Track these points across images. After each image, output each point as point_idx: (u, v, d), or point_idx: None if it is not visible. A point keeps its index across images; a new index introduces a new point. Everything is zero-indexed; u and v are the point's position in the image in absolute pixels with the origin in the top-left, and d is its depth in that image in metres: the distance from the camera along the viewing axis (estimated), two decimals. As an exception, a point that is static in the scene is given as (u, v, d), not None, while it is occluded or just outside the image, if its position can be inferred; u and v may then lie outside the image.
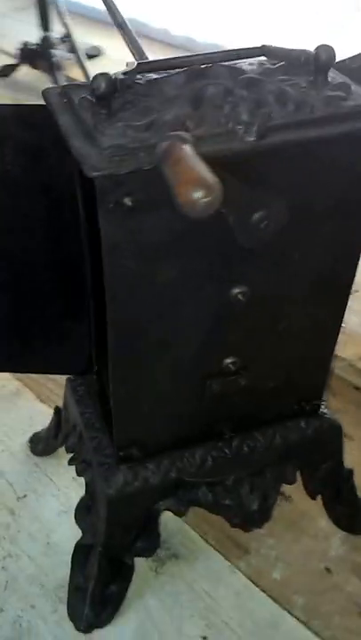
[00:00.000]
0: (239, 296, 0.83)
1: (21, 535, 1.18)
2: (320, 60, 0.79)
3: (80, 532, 1.08)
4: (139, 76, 0.79)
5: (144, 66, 0.80)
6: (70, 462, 1.10)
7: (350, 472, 1.13)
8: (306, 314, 0.91)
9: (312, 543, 1.18)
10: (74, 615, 1.06)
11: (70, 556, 1.10)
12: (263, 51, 0.84)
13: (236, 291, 0.83)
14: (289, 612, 1.09)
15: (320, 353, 0.98)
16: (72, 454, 1.11)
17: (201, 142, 0.70)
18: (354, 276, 0.89)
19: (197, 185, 0.58)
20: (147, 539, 1.04)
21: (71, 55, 2.31)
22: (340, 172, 0.79)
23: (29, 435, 1.33)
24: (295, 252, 0.83)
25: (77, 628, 1.05)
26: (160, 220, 0.74)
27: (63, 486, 1.26)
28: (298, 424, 1.04)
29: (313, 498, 1.12)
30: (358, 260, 0.88)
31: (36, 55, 2.35)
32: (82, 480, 1.19)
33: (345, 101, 0.77)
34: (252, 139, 0.71)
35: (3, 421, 1.37)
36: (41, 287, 0.97)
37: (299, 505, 1.21)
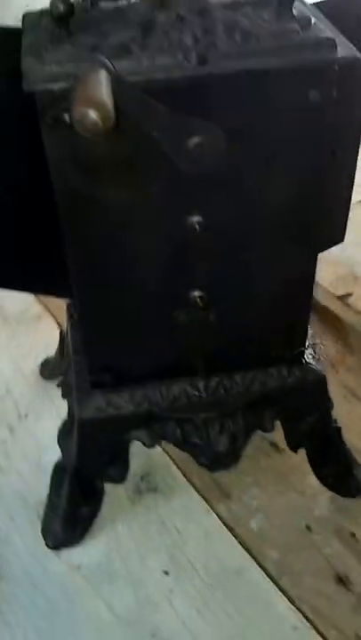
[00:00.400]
0: (196, 225, 0.81)
1: (16, 452, 1.23)
2: None
3: None
4: (105, 3, 0.78)
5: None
6: (58, 385, 1.12)
7: (339, 429, 1.08)
8: (273, 250, 0.87)
9: (297, 499, 1.15)
10: (46, 531, 1.10)
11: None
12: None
13: (191, 220, 0.81)
14: (258, 564, 1.07)
15: (295, 296, 0.93)
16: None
17: (140, 66, 0.69)
18: (322, 213, 0.84)
19: (88, 103, 0.60)
20: (117, 466, 1.05)
21: None
22: (289, 107, 0.74)
23: (42, 358, 1.37)
24: (251, 184, 0.79)
25: (47, 544, 1.09)
26: (101, 140, 0.72)
27: (64, 411, 1.28)
28: (279, 371, 1.01)
29: (294, 451, 1.08)
30: (321, 197, 0.82)
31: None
32: None
33: (297, 35, 0.72)
34: (191, 65, 0.69)
35: (21, 343, 1.42)
36: (36, 209, 0.98)
37: (291, 458, 1.17)
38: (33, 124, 0.87)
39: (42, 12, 0.79)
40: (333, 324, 1.42)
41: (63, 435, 1.09)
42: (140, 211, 0.80)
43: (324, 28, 0.73)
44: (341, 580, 1.05)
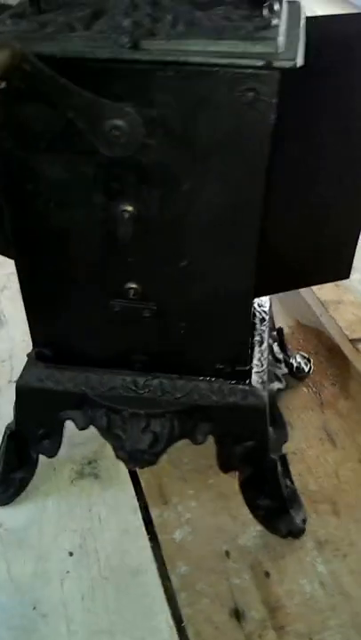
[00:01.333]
0: (125, 214, 0.82)
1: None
2: None
3: None
4: None
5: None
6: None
7: (275, 462, 1.03)
8: (207, 257, 0.86)
9: (228, 523, 1.11)
10: None
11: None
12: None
13: (122, 207, 0.82)
14: (161, 573, 1.04)
15: (233, 310, 0.91)
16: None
17: (71, 44, 0.71)
18: (255, 233, 0.82)
19: None
20: (50, 440, 1.08)
21: None
22: (222, 106, 0.73)
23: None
24: (181, 181, 0.79)
25: (-21, 500, 1.14)
26: (36, 111, 0.76)
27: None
28: (221, 388, 0.99)
29: (224, 471, 1.05)
30: (258, 213, 0.80)
31: None
32: None
33: (244, 33, 0.70)
34: (122, 47, 0.70)
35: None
36: None
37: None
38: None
39: None
40: (338, 364, 1.35)
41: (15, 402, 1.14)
42: (76, 189, 0.82)
43: (279, 30, 0.71)
44: (237, 614, 1.00)
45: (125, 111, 0.72)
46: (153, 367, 0.99)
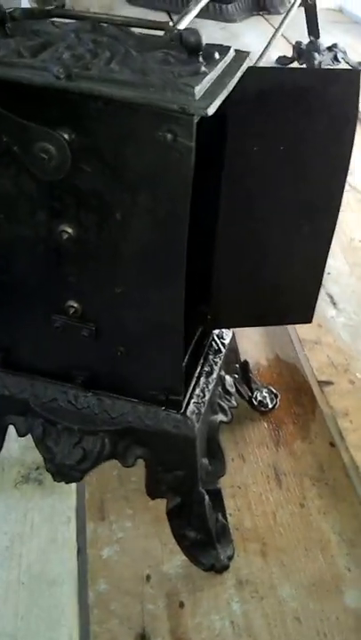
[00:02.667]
0: (63, 234, 0.84)
1: None
2: (185, 41, 0.74)
3: None
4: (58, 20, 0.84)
5: (59, 11, 0.83)
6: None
7: (203, 495, 1.02)
8: (139, 289, 0.86)
9: (156, 547, 1.10)
10: None
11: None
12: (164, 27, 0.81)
13: (60, 228, 0.83)
14: (80, 587, 1.04)
15: (165, 343, 0.91)
16: None
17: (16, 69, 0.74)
18: (181, 269, 0.82)
19: None
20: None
21: (333, 62, 2.29)
22: (144, 144, 0.74)
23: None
24: (116, 210, 0.80)
25: None
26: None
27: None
28: (155, 413, 0.99)
29: (151, 497, 1.04)
30: (184, 250, 0.80)
31: (302, 54, 2.37)
32: None
33: (170, 76, 0.71)
34: (57, 76, 0.72)
35: None
36: None
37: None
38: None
39: None
40: (304, 404, 1.33)
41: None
42: (21, 205, 0.84)
43: (204, 78, 0.71)
44: (142, 639, 1.00)
45: (53, 135, 0.74)
46: (93, 384, 1.00)
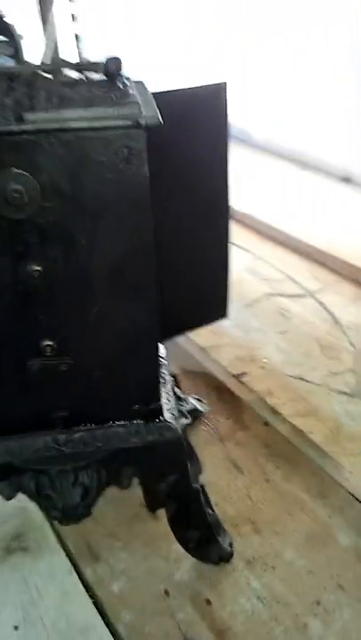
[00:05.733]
0: (34, 273, 0.83)
1: None
2: (107, 69, 0.80)
3: None
4: None
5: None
6: None
7: (198, 491, 1.05)
8: (111, 305, 0.88)
9: (161, 564, 1.09)
10: None
11: None
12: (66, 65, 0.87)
13: (31, 267, 0.82)
14: (108, 625, 1.00)
15: (143, 352, 0.94)
16: None
17: None
18: (152, 275, 0.86)
19: None
20: (-25, 517, 1.02)
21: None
22: (101, 164, 0.78)
23: None
24: (81, 237, 0.81)
25: None
26: None
27: None
28: (138, 429, 0.99)
29: (152, 511, 1.05)
30: (152, 257, 0.85)
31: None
32: None
33: (110, 99, 0.77)
34: (9, 121, 0.74)
35: None
36: None
37: (164, 525, 1.12)
38: None
39: None
40: (227, 399, 1.41)
41: None
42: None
43: (137, 96, 0.77)
44: (190, 647, 0.99)
45: (23, 176, 0.75)
46: (72, 422, 0.98)
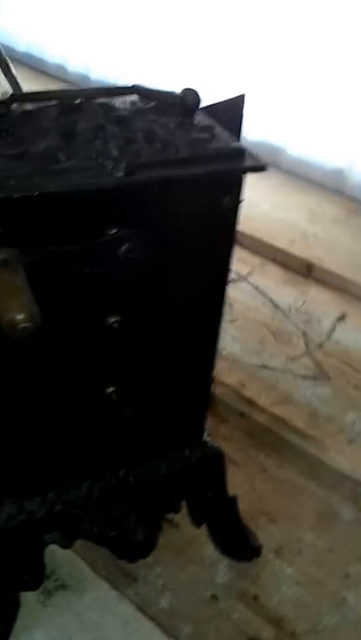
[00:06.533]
0: (114, 324, 0.80)
1: None
2: (186, 103, 0.79)
3: None
4: (14, 106, 0.76)
5: (18, 97, 0.77)
6: None
7: (234, 499, 1.10)
8: (181, 343, 0.88)
9: (199, 570, 1.13)
10: None
11: None
12: (134, 90, 0.83)
13: (111, 320, 0.79)
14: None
15: (198, 382, 0.94)
16: None
17: (72, 175, 0.68)
18: (222, 308, 0.88)
19: (18, 312, 0.61)
20: (32, 572, 0.97)
21: None
22: (202, 212, 0.76)
23: None
24: (166, 284, 0.80)
25: None
26: (21, 242, 0.69)
27: None
28: (182, 453, 1.00)
29: (198, 526, 1.08)
30: (224, 293, 0.86)
31: None
32: None
33: (209, 144, 0.76)
34: (121, 174, 0.70)
35: None
36: None
37: (186, 532, 1.16)
38: None
39: None
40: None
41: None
42: (70, 311, 0.77)
43: (228, 137, 0.76)
44: (254, 643, 1.06)
45: (137, 233, 0.72)
46: (128, 462, 0.96)
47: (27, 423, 0.84)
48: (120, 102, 0.81)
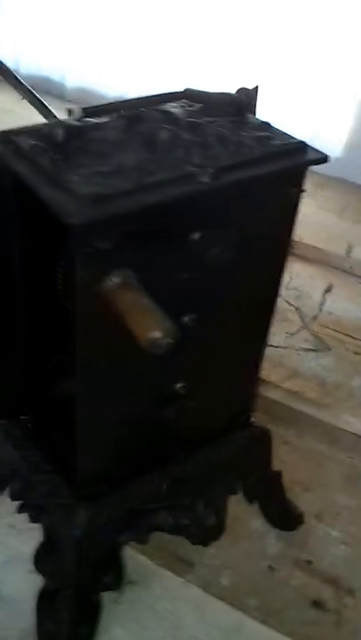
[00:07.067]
0: (189, 322, 0.82)
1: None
2: (241, 103, 0.82)
3: (32, 577, 1.01)
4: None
5: (90, 112, 0.77)
6: (21, 510, 1.01)
7: (279, 473, 1.15)
8: (242, 333, 0.92)
9: (250, 545, 1.19)
10: (47, 662, 0.98)
11: (27, 603, 1.03)
12: (187, 94, 0.85)
13: (186, 318, 0.81)
14: (247, 615, 1.08)
15: (250, 369, 0.99)
16: (19, 501, 1.03)
17: (167, 186, 0.70)
18: (276, 298, 0.92)
19: (156, 331, 0.64)
20: (112, 572, 0.99)
21: None
22: (273, 205, 0.81)
23: None
24: (239, 277, 0.84)
25: (52, 675, 0.97)
26: (128, 260, 0.71)
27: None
28: (237, 436, 1.05)
29: (251, 502, 1.13)
30: (282, 280, 0.91)
31: None
32: (21, 526, 1.13)
33: (273, 141, 0.80)
34: (208, 180, 0.72)
35: None
36: None
37: (230, 510, 1.21)
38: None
39: (6, 135, 0.74)
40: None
41: (43, 558, 0.99)
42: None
43: (283, 133, 0.81)
44: (317, 604, 1.12)
45: (226, 232, 0.74)
46: (189, 451, 1.00)
47: (114, 425, 0.86)
48: (171, 107, 0.83)
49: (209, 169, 0.71)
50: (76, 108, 0.74)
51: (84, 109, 0.74)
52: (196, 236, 0.74)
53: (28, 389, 0.97)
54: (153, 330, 0.62)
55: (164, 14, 2.19)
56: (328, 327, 1.58)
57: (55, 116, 0.84)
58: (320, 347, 1.53)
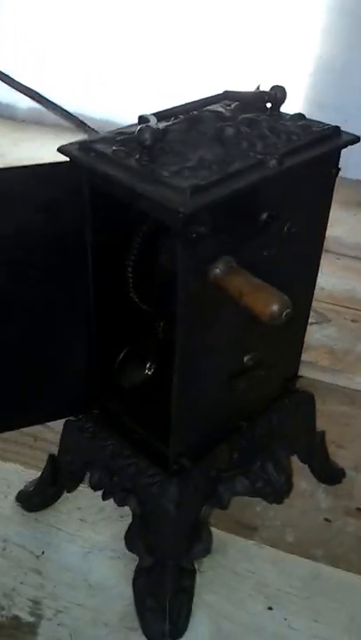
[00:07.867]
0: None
1: (59, 589, 1.11)
2: (276, 98, 0.92)
3: (113, 563, 1.11)
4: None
5: (163, 115, 0.86)
6: (105, 497, 1.08)
7: (323, 433, 1.26)
8: (296, 297, 1.02)
9: (304, 502, 1.28)
10: (154, 636, 1.05)
11: (116, 588, 1.10)
12: (227, 95, 0.95)
13: None
14: (319, 563, 1.18)
15: (300, 332, 1.09)
16: (101, 490, 1.09)
17: (246, 173, 0.79)
18: (320, 258, 1.03)
19: (279, 306, 0.73)
20: (203, 540, 1.06)
21: None
22: (319, 183, 0.91)
23: (12, 496, 1.26)
24: (298, 249, 0.94)
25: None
26: (223, 245, 0.80)
27: (74, 530, 1.21)
28: (288, 400, 1.14)
29: (304, 462, 1.23)
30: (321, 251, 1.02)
31: None
32: (92, 519, 1.19)
33: (312, 128, 0.90)
34: (275, 164, 0.82)
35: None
36: (47, 332, 0.95)
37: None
38: (65, 252, 0.88)
39: (84, 144, 0.81)
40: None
41: (134, 539, 1.05)
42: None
43: (317, 120, 0.91)
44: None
45: (291, 211, 0.84)
46: (250, 419, 1.09)
47: (199, 403, 0.94)
48: (218, 108, 0.92)
49: (274, 155, 0.81)
50: (150, 115, 0.82)
51: (156, 114, 0.83)
52: (260, 217, 0.83)
53: (99, 384, 1.04)
54: (272, 304, 0.71)
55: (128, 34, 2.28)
56: (323, 301, 1.71)
57: (90, 127, 0.91)
58: (321, 319, 1.65)
